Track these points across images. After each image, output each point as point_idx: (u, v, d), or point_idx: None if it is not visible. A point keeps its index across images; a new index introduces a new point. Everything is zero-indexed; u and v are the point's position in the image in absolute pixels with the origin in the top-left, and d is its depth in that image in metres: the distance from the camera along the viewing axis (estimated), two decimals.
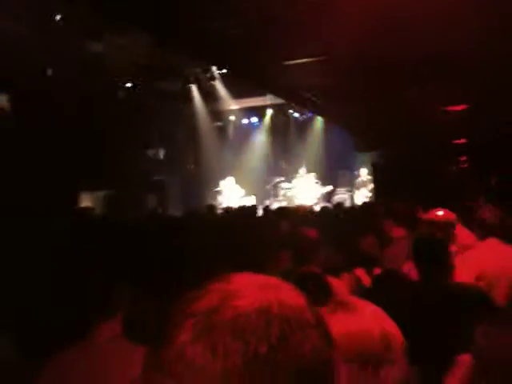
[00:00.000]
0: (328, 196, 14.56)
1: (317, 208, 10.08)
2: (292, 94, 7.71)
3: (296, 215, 6.26)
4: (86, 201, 11.88)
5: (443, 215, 3.75)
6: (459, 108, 8.42)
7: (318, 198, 14.38)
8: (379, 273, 3.11)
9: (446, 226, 3.56)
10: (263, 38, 4.93)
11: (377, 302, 1.21)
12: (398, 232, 4.99)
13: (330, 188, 14.77)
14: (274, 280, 0.69)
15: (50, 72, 10.12)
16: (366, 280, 3.41)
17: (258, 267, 3.21)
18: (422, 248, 2.69)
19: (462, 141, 12.07)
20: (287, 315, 0.62)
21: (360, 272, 3.56)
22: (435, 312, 2.36)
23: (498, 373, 1.87)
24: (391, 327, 1.22)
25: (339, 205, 9.00)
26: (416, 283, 2.67)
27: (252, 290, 0.65)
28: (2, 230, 4.95)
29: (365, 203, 9.87)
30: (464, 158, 13.46)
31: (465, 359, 1.57)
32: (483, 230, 4.36)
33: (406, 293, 2.60)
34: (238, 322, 0.60)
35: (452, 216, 3.76)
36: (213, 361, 0.58)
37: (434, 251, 2.64)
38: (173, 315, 0.65)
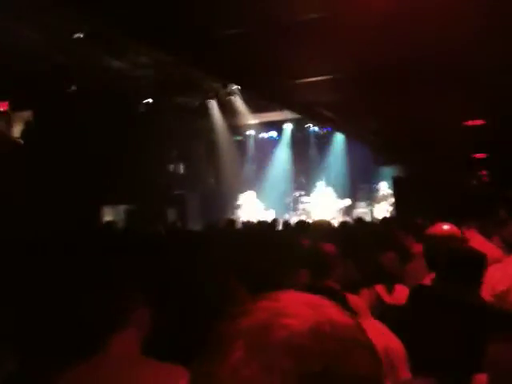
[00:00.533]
0: (347, 210, 14.51)
1: (336, 222, 10.06)
2: (309, 110, 7.74)
3: (315, 230, 6.25)
4: (107, 215, 12.03)
5: (448, 230, 3.62)
6: (478, 122, 8.35)
7: (337, 212, 14.33)
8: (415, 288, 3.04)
9: (451, 241, 3.44)
10: (277, 57, 4.98)
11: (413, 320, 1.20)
12: (419, 248, 4.95)
13: (348, 202, 14.71)
14: (318, 298, 0.69)
15: (72, 88, 10.33)
16: (386, 296, 3.39)
17: (277, 282, 3.22)
18: (459, 263, 2.58)
19: (482, 155, 11.94)
20: (340, 334, 0.62)
21: (380, 288, 3.54)
22: (467, 331, 2.29)
23: None
24: (394, 343, 1.23)
25: (359, 219, 8.97)
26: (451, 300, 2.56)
27: (300, 309, 0.64)
28: (23, 243, 5.05)
29: (385, 218, 9.81)
30: (484, 172, 13.32)
31: (481, 379, 1.56)
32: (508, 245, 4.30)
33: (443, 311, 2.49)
34: (292, 341, 0.60)
35: (457, 231, 3.62)
36: (269, 380, 0.58)
37: (472, 267, 2.55)
38: (220, 332, 0.65)
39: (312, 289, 3.07)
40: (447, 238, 3.42)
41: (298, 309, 0.64)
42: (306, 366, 0.59)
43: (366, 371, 0.62)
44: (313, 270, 3.16)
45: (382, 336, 2.09)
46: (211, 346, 0.65)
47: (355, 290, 3.26)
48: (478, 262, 2.57)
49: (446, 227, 3.60)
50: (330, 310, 0.66)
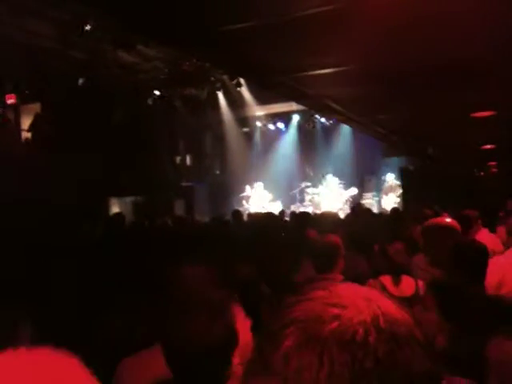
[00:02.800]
0: (354, 201, 14.50)
1: (342, 213, 10.07)
2: (315, 103, 7.72)
3: (322, 221, 6.27)
4: (115, 206, 12.11)
5: (446, 223, 3.62)
6: (486, 114, 8.29)
7: (344, 203, 14.32)
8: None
9: (450, 233, 3.45)
10: (285, 47, 4.97)
11: None
12: None
13: (354, 191, 14.68)
14: (374, 292, 0.67)
15: (81, 81, 10.38)
16: (392, 288, 3.40)
17: (283, 273, 3.25)
18: (465, 255, 2.59)
19: (491, 146, 11.87)
20: (394, 329, 0.60)
21: (386, 279, 3.55)
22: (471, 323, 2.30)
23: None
24: None
25: (367, 210, 8.96)
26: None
27: (355, 300, 0.63)
28: (30, 235, 5.09)
29: (393, 209, 9.80)
30: (493, 163, 13.26)
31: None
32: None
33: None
34: (345, 333, 0.58)
35: (455, 224, 3.63)
36: (319, 370, 0.57)
37: (478, 259, 2.57)
38: (274, 320, 0.65)
39: (316, 280, 3.11)
40: (446, 231, 3.45)
41: (352, 300, 0.63)
42: (358, 360, 0.57)
43: (419, 369, 0.60)
44: (317, 262, 3.19)
45: None
46: (266, 333, 0.64)
47: (361, 281, 3.29)
48: (482, 255, 2.59)
49: (444, 220, 3.63)
50: (384, 303, 0.64)
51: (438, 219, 3.67)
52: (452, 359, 1.97)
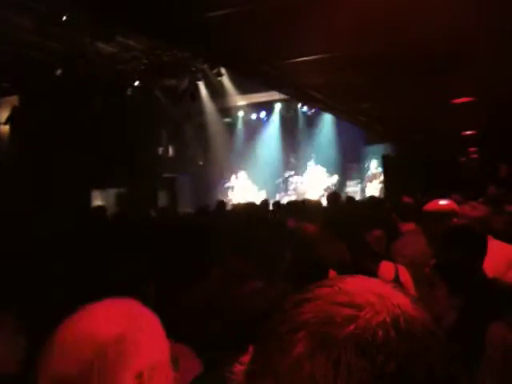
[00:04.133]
0: (337, 189, 14.55)
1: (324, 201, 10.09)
2: (298, 92, 7.70)
3: (305, 210, 6.28)
4: (97, 199, 12.01)
5: (446, 205, 3.67)
6: (467, 100, 8.36)
7: (325, 190, 14.36)
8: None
9: (449, 216, 3.49)
10: (265, 35, 4.94)
11: None
12: (407, 226, 4.99)
13: (335, 178, 14.74)
14: (385, 286, 0.62)
15: (59, 72, 10.22)
16: None
17: (266, 264, 3.24)
18: (464, 240, 2.60)
19: (471, 132, 11.99)
20: (415, 331, 0.56)
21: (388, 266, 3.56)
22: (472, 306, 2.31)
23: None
24: None
25: (349, 198, 9.00)
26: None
27: (368, 299, 0.58)
28: (13, 229, 5.03)
29: (373, 197, 9.85)
30: (474, 149, 13.39)
31: None
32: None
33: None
34: (362, 336, 0.54)
35: (455, 206, 3.68)
36: (335, 377, 0.53)
37: (477, 243, 2.58)
38: (277, 323, 0.59)
39: (296, 268, 3.10)
40: (446, 213, 3.48)
41: (366, 298, 0.58)
42: (377, 364, 0.53)
43: (443, 372, 0.56)
44: (297, 251, 3.18)
45: None
46: (268, 338, 0.59)
47: (345, 268, 3.30)
48: (481, 238, 2.61)
49: (443, 203, 3.65)
50: (401, 301, 0.59)
51: (436, 202, 3.69)
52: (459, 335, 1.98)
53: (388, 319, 0.56)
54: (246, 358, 0.60)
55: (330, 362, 0.53)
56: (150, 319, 1.20)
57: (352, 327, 0.55)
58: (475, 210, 3.65)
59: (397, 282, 3.27)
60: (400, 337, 0.55)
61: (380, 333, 0.55)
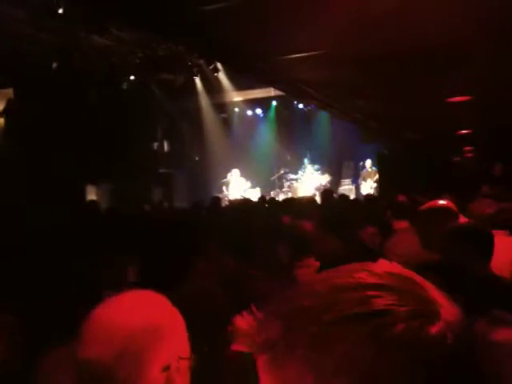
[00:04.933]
0: (332, 187, 14.54)
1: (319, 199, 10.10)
2: (293, 88, 7.69)
3: (299, 207, 6.29)
4: (92, 194, 11.97)
5: (443, 204, 3.65)
6: (463, 99, 8.37)
7: (319, 188, 14.35)
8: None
9: (447, 216, 3.47)
10: (260, 31, 4.93)
11: None
12: (401, 224, 5.00)
13: (327, 178, 14.74)
14: (417, 277, 0.60)
15: (54, 65, 10.17)
16: None
17: (259, 260, 3.23)
18: (473, 239, 2.59)
19: (467, 131, 12.01)
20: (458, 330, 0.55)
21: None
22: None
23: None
24: None
25: (343, 196, 9.02)
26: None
27: (416, 292, 0.57)
28: (5, 222, 5.01)
29: (368, 195, 9.87)
30: (469, 148, 13.43)
31: None
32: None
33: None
34: (423, 334, 0.52)
35: (452, 205, 3.66)
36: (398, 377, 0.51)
37: (485, 242, 2.57)
38: (315, 308, 0.56)
39: (292, 266, 3.11)
40: (443, 213, 3.47)
41: (415, 292, 0.56)
42: (436, 364, 0.51)
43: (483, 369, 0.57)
44: (292, 248, 3.19)
45: None
46: (309, 327, 0.55)
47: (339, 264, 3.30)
48: (488, 236, 2.60)
49: (441, 202, 3.64)
50: (440, 298, 0.58)
51: (434, 202, 3.67)
52: None
53: (451, 318, 0.55)
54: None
55: (393, 363, 0.51)
56: (174, 312, 1.24)
57: (411, 325, 0.52)
58: (485, 207, 3.64)
59: None
60: (457, 338, 0.54)
61: (441, 331, 0.53)
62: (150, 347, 1.14)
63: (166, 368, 1.15)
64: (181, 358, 1.18)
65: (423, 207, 3.69)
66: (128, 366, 1.11)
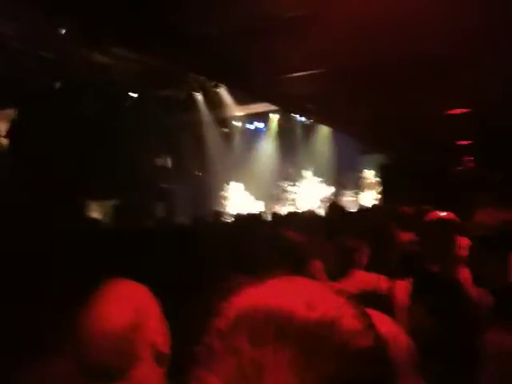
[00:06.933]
0: (333, 198, 14.56)
1: (322, 212, 10.11)
2: (292, 105, 7.75)
3: (300, 220, 6.30)
4: (94, 211, 11.99)
5: (445, 216, 3.64)
6: (462, 111, 8.42)
7: (322, 200, 14.36)
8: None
9: (449, 228, 3.46)
10: (257, 53, 4.98)
11: None
12: (406, 236, 4.99)
13: (331, 190, 14.75)
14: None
15: (57, 84, 10.26)
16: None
17: (259, 273, 3.24)
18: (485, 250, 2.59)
19: (467, 142, 12.05)
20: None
21: (365, 276, 3.57)
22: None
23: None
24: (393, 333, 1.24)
25: (343, 208, 8.99)
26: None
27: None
28: (7, 240, 5.00)
29: (374, 206, 9.88)
30: (469, 158, 13.44)
31: None
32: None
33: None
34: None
35: (454, 217, 3.65)
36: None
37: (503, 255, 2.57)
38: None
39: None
40: (447, 224, 3.46)
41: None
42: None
43: None
44: (283, 261, 3.16)
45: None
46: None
47: (335, 279, 3.31)
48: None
49: (442, 214, 3.63)
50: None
51: (436, 213, 3.66)
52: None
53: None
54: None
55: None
56: (151, 297, 1.42)
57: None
58: (493, 216, 3.63)
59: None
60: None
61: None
62: (139, 333, 1.31)
63: (155, 345, 1.33)
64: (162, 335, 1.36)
65: (427, 219, 3.67)
66: (125, 358, 1.28)
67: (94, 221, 7.43)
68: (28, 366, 1.79)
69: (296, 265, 3.01)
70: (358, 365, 0.52)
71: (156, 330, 1.36)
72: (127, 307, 1.34)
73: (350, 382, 0.51)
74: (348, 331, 0.53)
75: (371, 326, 0.57)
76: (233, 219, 9.19)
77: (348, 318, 0.55)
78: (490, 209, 4.11)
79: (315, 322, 0.53)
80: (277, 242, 3.40)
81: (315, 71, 5.58)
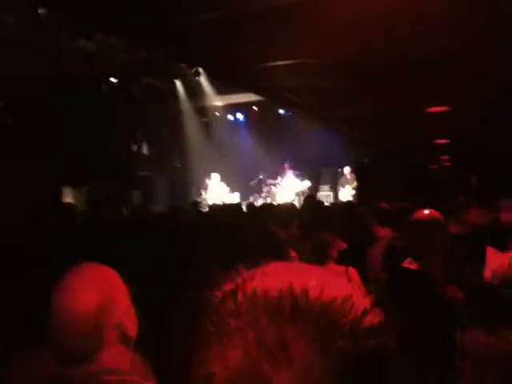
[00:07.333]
0: (309, 192, 14.57)
1: (297, 205, 10.13)
2: (275, 95, 7.72)
3: (278, 213, 6.28)
4: (69, 196, 11.80)
5: (430, 214, 3.64)
6: (441, 109, 8.50)
7: (297, 194, 14.40)
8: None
9: (433, 226, 3.47)
10: (242, 39, 4.93)
11: None
12: (383, 232, 5.03)
13: (307, 184, 14.77)
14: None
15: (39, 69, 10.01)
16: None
17: (240, 265, 3.22)
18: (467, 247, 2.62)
19: (445, 141, 12.20)
20: None
21: (337, 269, 3.60)
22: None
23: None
24: None
25: (320, 202, 9.02)
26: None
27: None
28: None
29: (349, 202, 9.93)
30: (446, 157, 13.63)
31: None
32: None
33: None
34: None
35: (439, 215, 3.65)
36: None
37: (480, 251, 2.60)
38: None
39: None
40: (432, 222, 3.47)
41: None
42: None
43: None
44: (270, 254, 3.17)
45: None
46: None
47: None
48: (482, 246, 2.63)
49: (427, 212, 3.63)
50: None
51: (420, 211, 3.66)
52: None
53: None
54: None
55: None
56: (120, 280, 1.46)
57: None
58: (480, 217, 3.66)
59: None
60: None
61: None
62: (106, 316, 1.35)
63: (119, 326, 1.37)
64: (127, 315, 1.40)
65: (414, 217, 3.65)
66: (92, 341, 1.32)
67: (69, 207, 7.29)
68: (15, 355, 1.76)
69: (277, 257, 3.00)
70: (369, 339, 0.56)
71: (123, 312, 1.39)
72: (94, 290, 1.35)
73: (364, 355, 0.55)
74: (359, 309, 0.57)
75: (377, 305, 0.61)
76: (209, 209, 9.14)
77: (358, 297, 0.59)
78: (478, 209, 4.16)
79: (329, 299, 0.56)
80: (260, 235, 3.39)
81: (299, 61, 5.55)
